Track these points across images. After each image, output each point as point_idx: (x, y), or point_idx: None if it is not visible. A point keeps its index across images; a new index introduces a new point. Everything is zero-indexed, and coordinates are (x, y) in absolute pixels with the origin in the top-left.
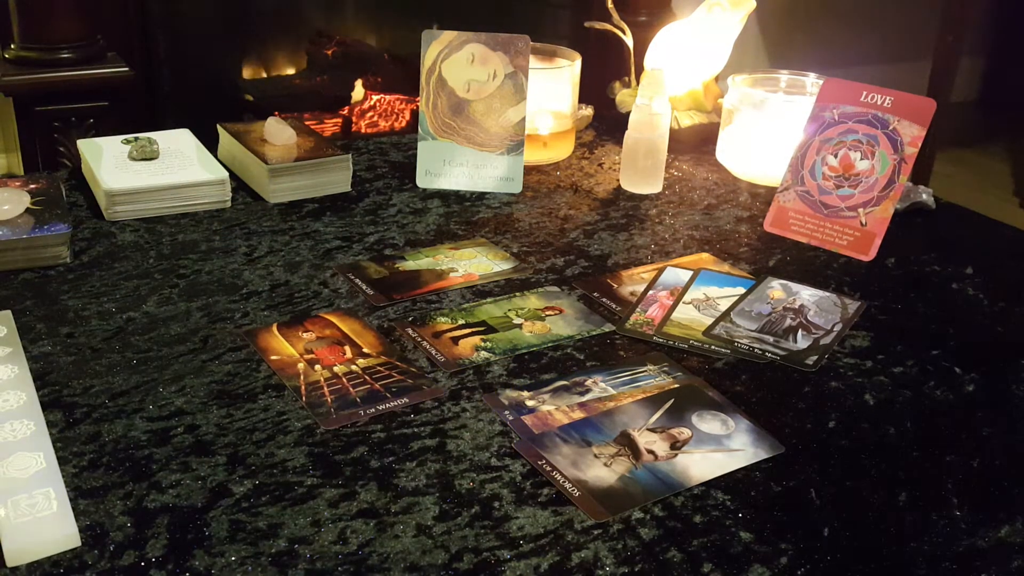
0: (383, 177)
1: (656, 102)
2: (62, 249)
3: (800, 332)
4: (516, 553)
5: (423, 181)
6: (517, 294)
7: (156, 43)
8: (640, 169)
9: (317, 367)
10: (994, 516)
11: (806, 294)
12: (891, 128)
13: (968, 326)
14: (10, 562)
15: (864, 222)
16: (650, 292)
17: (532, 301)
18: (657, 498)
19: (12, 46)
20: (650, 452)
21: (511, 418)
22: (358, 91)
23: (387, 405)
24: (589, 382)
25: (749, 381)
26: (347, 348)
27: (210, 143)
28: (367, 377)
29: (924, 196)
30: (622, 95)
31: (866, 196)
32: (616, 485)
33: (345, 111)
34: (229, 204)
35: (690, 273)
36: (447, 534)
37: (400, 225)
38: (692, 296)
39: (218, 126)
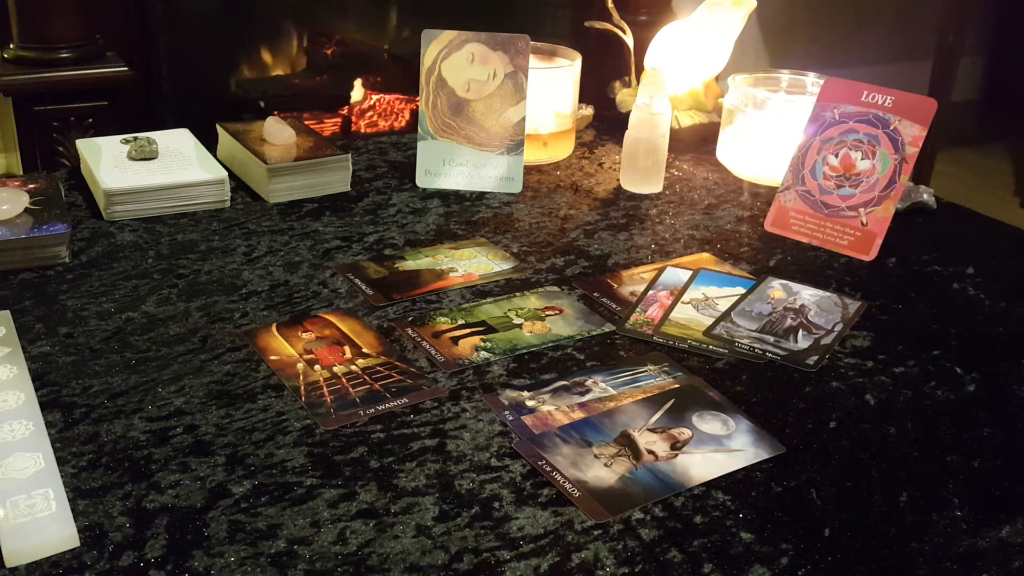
0: (383, 177)
1: (656, 102)
2: (61, 249)
3: (801, 332)
4: (516, 554)
5: (423, 181)
6: (517, 294)
7: (156, 43)
8: (640, 169)
9: (316, 367)
10: (994, 516)
11: (807, 294)
12: (892, 128)
13: (969, 326)
14: (9, 563)
15: (865, 222)
16: (650, 292)
17: (532, 301)
18: (657, 498)
19: (11, 46)
20: (650, 452)
21: (511, 418)
22: (358, 91)
23: (387, 405)
24: (589, 382)
25: (749, 381)
26: (347, 348)
27: (209, 143)
28: (367, 377)
29: (925, 196)
30: (622, 95)
31: (867, 196)
32: (616, 485)
33: (345, 111)
34: (228, 204)
35: (690, 273)
36: (447, 534)
37: (400, 225)
38: (691, 296)
39: (217, 126)
